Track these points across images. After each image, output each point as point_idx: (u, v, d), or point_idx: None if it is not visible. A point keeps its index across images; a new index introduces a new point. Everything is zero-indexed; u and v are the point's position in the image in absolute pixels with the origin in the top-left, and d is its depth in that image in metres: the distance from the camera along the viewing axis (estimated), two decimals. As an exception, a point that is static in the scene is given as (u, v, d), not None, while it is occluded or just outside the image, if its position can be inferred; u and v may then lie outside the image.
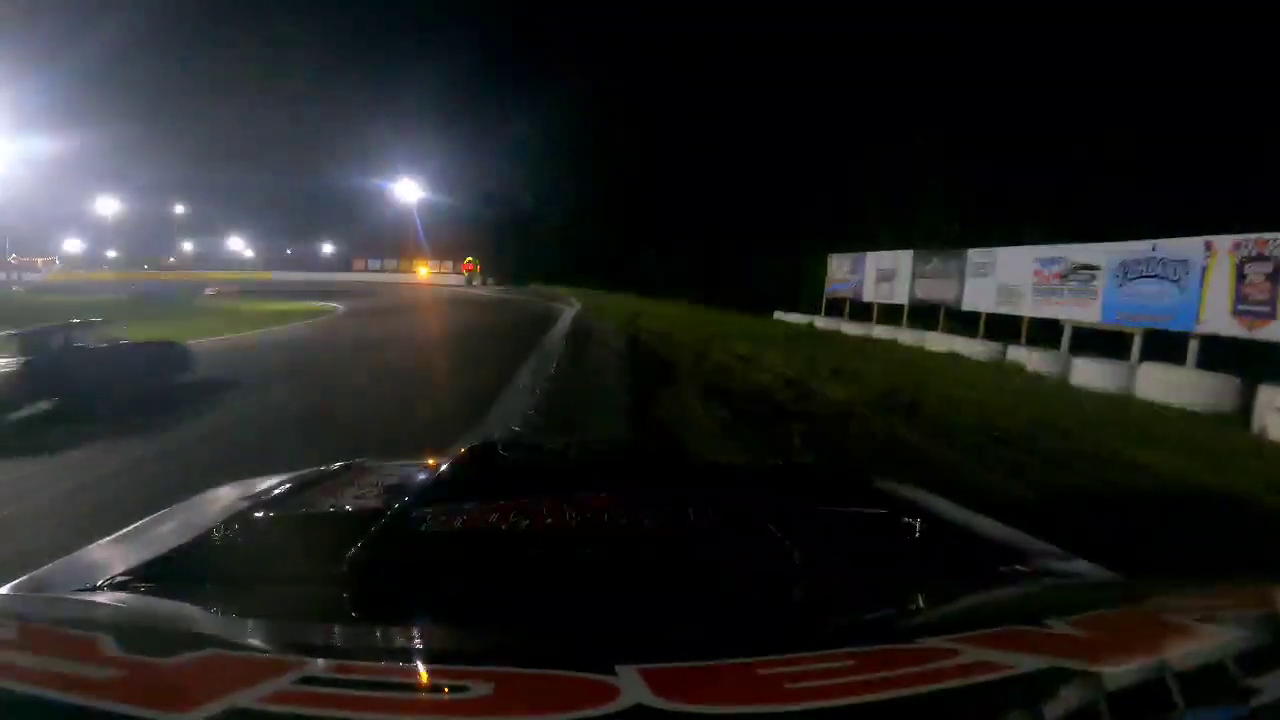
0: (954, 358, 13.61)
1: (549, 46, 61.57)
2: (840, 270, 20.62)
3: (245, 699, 0.49)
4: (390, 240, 52.88)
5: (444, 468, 1.29)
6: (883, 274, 18.28)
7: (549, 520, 0.95)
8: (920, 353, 14.61)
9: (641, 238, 42.15)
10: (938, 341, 15.06)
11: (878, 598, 0.87)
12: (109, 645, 0.60)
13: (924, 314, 16.62)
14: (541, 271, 45.07)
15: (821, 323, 20.17)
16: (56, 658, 0.58)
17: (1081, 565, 1.00)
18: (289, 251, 60.21)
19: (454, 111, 57.39)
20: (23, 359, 7.11)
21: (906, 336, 16.22)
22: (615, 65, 52.55)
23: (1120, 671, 0.55)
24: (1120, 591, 0.95)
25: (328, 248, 59.92)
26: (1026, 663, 0.56)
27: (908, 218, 23.80)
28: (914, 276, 16.88)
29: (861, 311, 19.16)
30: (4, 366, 6.99)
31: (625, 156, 44.81)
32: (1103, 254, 11.61)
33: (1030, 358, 12.24)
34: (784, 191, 33.43)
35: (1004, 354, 13.07)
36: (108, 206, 49.42)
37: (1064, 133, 19.44)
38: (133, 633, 0.68)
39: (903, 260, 17.51)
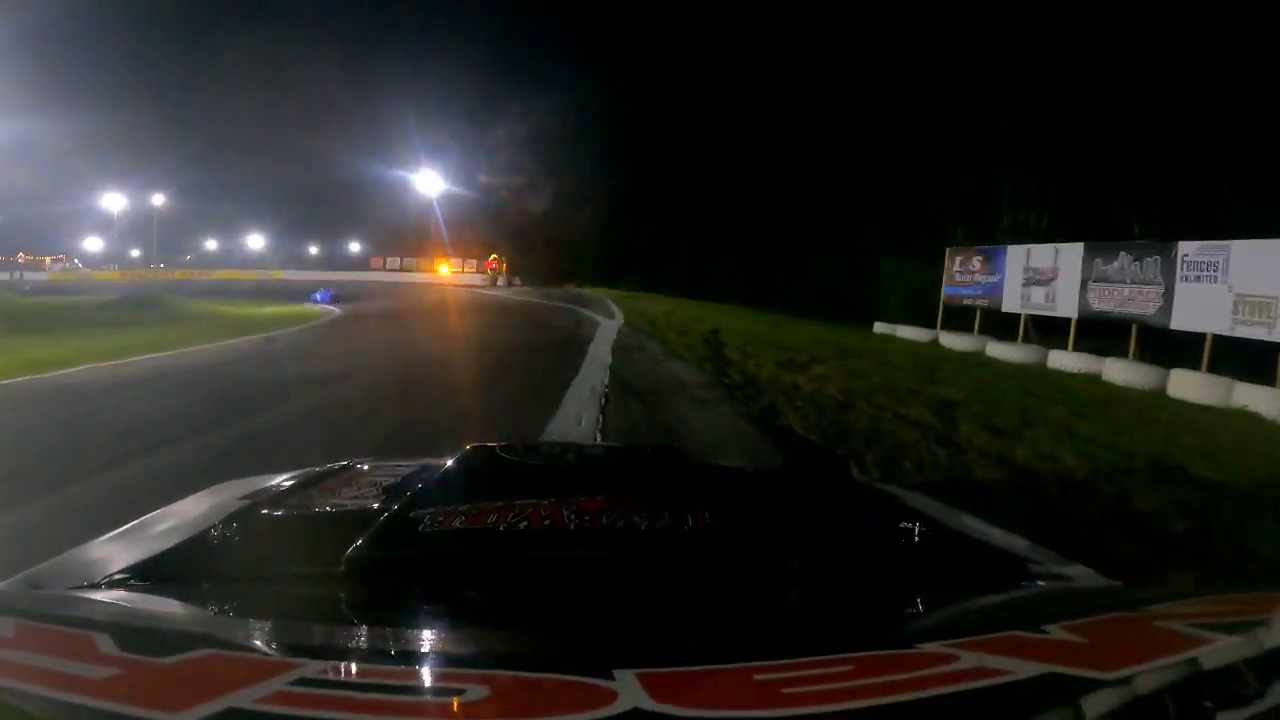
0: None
1: (580, 30, 58.18)
2: (965, 270, 16.23)
3: (241, 699, 0.49)
4: (412, 238, 49.77)
5: (443, 468, 1.28)
6: (1034, 275, 13.94)
7: (547, 522, 0.94)
8: (1201, 415, 8.39)
9: (682, 235, 38.86)
10: (1194, 387, 9.56)
11: (876, 602, 0.88)
12: (105, 644, 0.59)
13: (1097, 329, 12.57)
14: (574, 270, 41.97)
15: (949, 340, 15.55)
16: (52, 656, 0.58)
17: (1079, 570, 0.99)
18: (313, 251, 57.90)
19: (481, 102, 54.25)
20: None
21: (1119, 372, 10.88)
22: (654, 49, 49.24)
23: (1117, 678, 0.54)
24: (1118, 597, 0.94)
25: (354, 246, 57.30)
26: (1024, 668, 0.55)
27: (988, 211, 20.76)
28: (1085, 279, 12.60)
29: (999, 324, 15.02)
30: None
31: (664, 147, 41.52)
32: None
33: None
34: (839, 184, 30.29)
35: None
36: (117, 203, 47.06)
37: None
38: (129, 632, 0.68)
39: (1067, 256, 13.15)
